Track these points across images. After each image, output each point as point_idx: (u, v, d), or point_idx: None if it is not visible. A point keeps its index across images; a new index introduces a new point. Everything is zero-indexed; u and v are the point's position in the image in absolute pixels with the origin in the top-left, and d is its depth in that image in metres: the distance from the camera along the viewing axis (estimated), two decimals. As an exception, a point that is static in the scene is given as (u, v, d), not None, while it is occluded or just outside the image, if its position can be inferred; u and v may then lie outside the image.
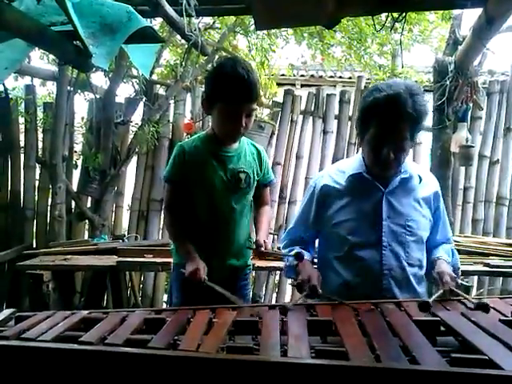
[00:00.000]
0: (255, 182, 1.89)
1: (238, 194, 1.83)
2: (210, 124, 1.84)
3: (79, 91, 3.78)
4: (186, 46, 3.38)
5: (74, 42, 1.84)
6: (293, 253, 1.66)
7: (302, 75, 7.32)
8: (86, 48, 1.77)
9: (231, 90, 1.63)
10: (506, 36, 3.14)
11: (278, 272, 3.40)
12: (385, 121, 1.53)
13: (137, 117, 3.88)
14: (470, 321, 1.19)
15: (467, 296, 1.49)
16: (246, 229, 1.92)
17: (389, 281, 1.61)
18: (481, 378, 0.88)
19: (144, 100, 3.84)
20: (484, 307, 1.33)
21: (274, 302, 3.83)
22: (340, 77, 7.27)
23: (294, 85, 7.09)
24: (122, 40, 1.82)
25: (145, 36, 1.99)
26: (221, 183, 1.79)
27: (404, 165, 1.65)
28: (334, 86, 7.17)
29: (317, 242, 1.85)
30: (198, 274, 1.66)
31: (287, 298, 3.95)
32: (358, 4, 1.98)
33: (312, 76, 7.40)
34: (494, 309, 1.37)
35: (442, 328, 1.18)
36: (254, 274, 3.71)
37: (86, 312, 1.37)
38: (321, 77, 7.36)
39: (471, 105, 3.08)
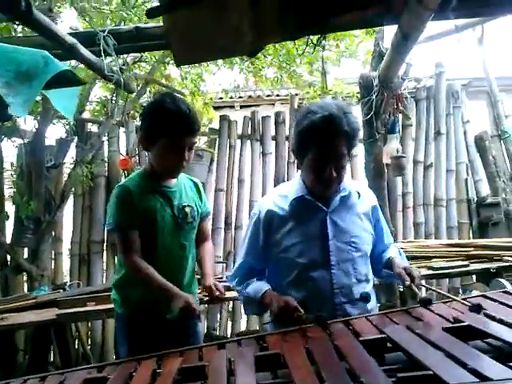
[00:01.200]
0: (199, 216, 1.86)
1: (186, 229, 1.80)
2: (148, 161, 1.79)
3: (6, 138, 3.60)
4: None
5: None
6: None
7: (240, 97, 7.37)
8: (0, 98, 1.68)
9: (175, 125, 1.63)
10: (426, 45, 3.31)
11: (230, 302, 3.35)
12: (324, 141, 1.56)
13: (69, 158, 3.74)
14: (415, 333, 1.20)
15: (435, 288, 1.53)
16: (192, 264, 1.88)
17: (340, 299, 1.62)
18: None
19: (75, 140, 3.71)
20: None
21: (229, 332, 3.76)
22: (277, 95, 7.37)
23: (233, 107, 7.12)
24: (39, 86, 1.75)
25: (64, 79, 1.92)
26: (170, 220, 1.74)
27: (343, 183, 1.68)
28: (273, 104, 7.25)
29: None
30: (191, 307, 1.59)
31: (243, 326, 3.88)
32: (275, 31, 1.99)
33: (250, 97, 7.46)
34: (439, 315, 1.40)
35: (389, 344, 1.18)
36: (206, 306, 3.62)
37: (20, 381, 1.25)
38: (258, 96, 7.43)
39: (399, 115, 3.19)
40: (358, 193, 1.74)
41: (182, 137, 1.66)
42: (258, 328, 3.69)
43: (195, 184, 1.92)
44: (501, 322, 1.20)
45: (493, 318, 1.23)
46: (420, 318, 1.39)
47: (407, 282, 1.54)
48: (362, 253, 1.68)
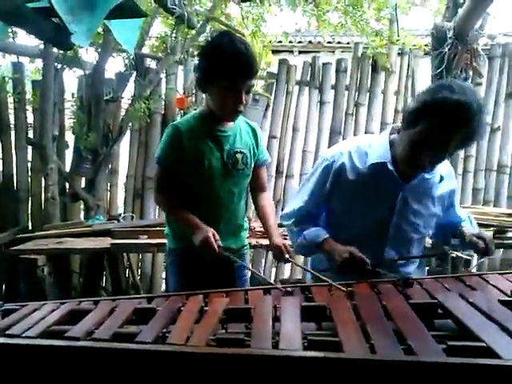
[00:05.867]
0: (253, 162, 1.83)
1: (236, 176, 1.78)
2: (204, 102, 1.77)
3: (68, 68, 3.67)
4: (176, 16, 3.27)
5: (53, 20, 1.73)
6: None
7: (300, 42, 7.14)
8: (64, 25, 1.67)
9: (232, 66, 1.57)
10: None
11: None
12: (446, 125, 1.37)
13: (127, 93, 3.78)
14: (468, 302, 1.16)
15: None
16: (242, 210, 1.89)
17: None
18: (477, 369, 0.84)
19: (134, 75, 3.73)
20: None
21: (272, 278, 3.83)
22: (338, 42, 7.08)
23: (291, 52, 6.94)
24: (102, 15, 1.72)
25: (127, 10, 1.88)
26: (218, 166, 1.73)
27: None
28: (333, 51, 6.99)
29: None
30: (209, 242, 1.60)
31: (286, 274, 3.94)
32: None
33: (310, 42, 7.22)
34: (495, 286, 1.35)
35: (440, 310, 1.15)
36: (251, 252, 3.68)
37: (75, 303, 1.33)
38: (319, 43, 7.17)
39: (471, 72, 2.98)
40: (441, 176, 1.61)
41: (239, 78, 1.60)
42: (301, 277, 3.73)
43: (253, 129, 1.86)
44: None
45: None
46: (474, 288, 1.35)
47: (481, 246, 1.52)
48: (421, 235, 1.64)
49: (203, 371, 0.95)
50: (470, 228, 1.64)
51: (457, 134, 1.39)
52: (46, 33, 1.77)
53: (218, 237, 1.63)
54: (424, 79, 3.74)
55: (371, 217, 1.59)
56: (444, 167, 1.63)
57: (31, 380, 1.02)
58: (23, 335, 1.08)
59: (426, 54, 4.07)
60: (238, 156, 1.76)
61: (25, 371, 1.02)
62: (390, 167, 1.54)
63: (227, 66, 1.58)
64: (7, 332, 1.10)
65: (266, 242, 2.70)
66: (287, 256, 1.67)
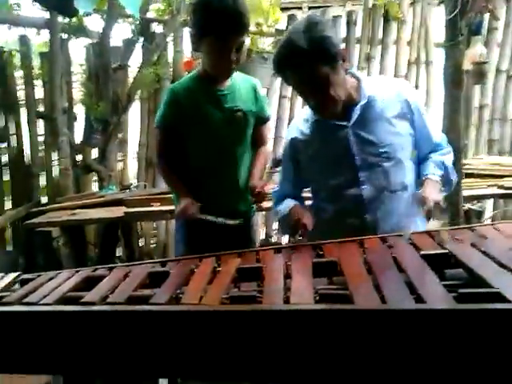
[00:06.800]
0: (253, 119, 1.82)
1: (238, 133, 1.77)
2: (201, 63, 1.75)
3: (74, 37, 3.62)
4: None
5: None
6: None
7: (310, -3, 6.90)
8: (68, -8, 1.64)
9: (219, 23, 1.55)
10: None
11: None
12: (291, 71, 1.47)
13: (135, 62, 3.72)
14: (480, 251, 1.15)
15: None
16: (248, 170, 1.88)
17: (371, 215, 1.57)
18: (488, 314, 0.84)
19: (141, 41, 3.66)
20: None
21: (284, 241, 3.84)
22: (349, -5, 6.82)
23: (300, 8, 6.72)
24: (103, -22, 1.68)
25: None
26: (220, 125, 1.73)
27: (361, 90, 1.54)
28: (343, 5, 6.75)
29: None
30: (187, 209, 1.67)
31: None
32: None
33: (320, -4, 6.97)
34: (507, 235, 1.33)
35: (451, 260, 1.14)
36: (264, 214, 3.67)
37: (90, 270, 1.36)
38: (329, -5, 6.92)
39: (487, 16, 2.85)
40: (382, 96, 1.56)
41: (227, 35, 1.58)
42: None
43: (252, 85, 1.84)
44: None
45: None
46: (486, 237, 1.34)
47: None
48: (395, 161, 1.55)
49: (218, 329, 0.96)
50: (430, 184, 1.54)
51: (302, 65, 1.42)
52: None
53: (194, 208, 1.68)
54: (437, 27, 3.60)
55: (338, 169, 1.59)
56: (383, 87, 1.60)
57: (49, 346, 1.05)
58: (40, 303, 1.11)
59: (441, 2, 3.89)
60: (240, 114, 1.75)
61: (42, 338, 1.05)
62: (323, 119, 1.57)
63: (215, 23, 1.55)
64: (24, 300, 1.13)
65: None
66: (255, 192, 1.71)
